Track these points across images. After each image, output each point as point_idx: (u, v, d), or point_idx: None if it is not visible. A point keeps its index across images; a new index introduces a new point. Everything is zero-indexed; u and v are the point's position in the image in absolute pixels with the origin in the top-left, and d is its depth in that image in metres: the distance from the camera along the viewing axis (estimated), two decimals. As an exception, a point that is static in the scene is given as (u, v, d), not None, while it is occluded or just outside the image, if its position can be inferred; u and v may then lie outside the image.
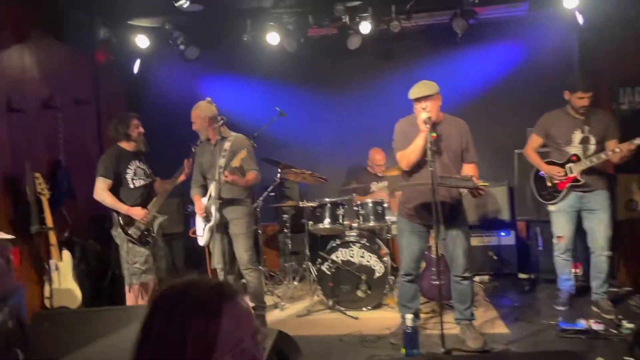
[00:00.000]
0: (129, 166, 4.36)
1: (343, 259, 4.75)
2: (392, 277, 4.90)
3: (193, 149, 4.52)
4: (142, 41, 6.03)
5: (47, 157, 5.03)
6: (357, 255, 4.74)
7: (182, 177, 4.47)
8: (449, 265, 3.82)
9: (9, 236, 4.23)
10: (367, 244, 4.76)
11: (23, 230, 4.54)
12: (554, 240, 4.61)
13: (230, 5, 5.47)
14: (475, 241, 5.54)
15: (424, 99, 3.59)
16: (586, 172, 4.34)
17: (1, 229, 4.27)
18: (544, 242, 5.40)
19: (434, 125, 3.62)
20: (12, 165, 4.60)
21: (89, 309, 4.26)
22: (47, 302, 4.61)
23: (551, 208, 4.61)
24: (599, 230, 4.38)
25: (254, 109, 6.35)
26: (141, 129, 4.46)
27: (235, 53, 6.35)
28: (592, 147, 4.35)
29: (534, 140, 4.65)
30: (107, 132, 4.53)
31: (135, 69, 6.38)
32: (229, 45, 6.28)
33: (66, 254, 4.77)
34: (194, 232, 4.44)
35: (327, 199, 5.08)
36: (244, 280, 4.39)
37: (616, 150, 4.18)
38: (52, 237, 4.69)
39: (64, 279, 4.75)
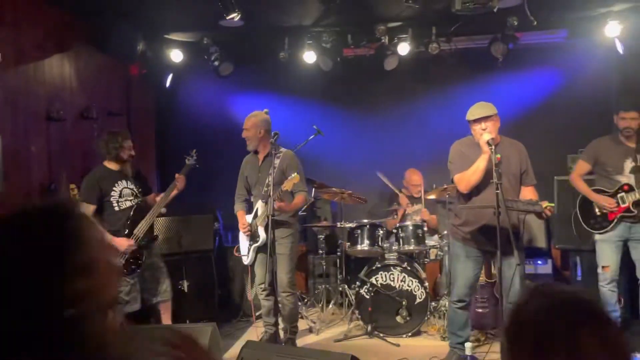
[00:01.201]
0: (114, 187, 4.13)
1: (383, 282, 4.61)
2: (433, 304, 4.73)
3: (187, 160, 4.44)
4: (176, 55, 6.00)
5: (81, 168, 4.93)
6: (397, 279, 4.60)
7: (174, 192, 4.28)
8: (503, 292, 3.67)
9: None
10: (408, 267, 4.62)
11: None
12: (599, 270, 4.47)
13: (271, 22, 5.44)
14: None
15: (484, 119, 3.52)
16: (638, 202, 4.24)
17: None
18: (583, 272, 5.25)
19: (497, 145, 3.54)
20: (48, 176, 4.49)
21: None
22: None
23: (597, 237, 4.48)
24: None
25: (285, 127, 6.20)
26: (133, 152, 4.22)
27: (269, 70, 6.31)
28: None
29: (582, 167, 4.54)
30: (97, 147, 4.28)
31: (167, 83, 6.32)
32: (263, 62, 6.25)
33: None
34: (238, 250, 4.31)
35: (365, 220, 4.96)
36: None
37: None
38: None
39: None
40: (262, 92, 6.47)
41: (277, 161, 4.02)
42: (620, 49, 5.52)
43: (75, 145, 4.89)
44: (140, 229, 4.11)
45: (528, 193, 3.61)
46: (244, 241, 4.23)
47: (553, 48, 5.94)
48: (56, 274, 0.85)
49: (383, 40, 5.61)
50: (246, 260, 4.21)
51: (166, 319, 4.30)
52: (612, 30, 5.29)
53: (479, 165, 3.44)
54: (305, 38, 5.70)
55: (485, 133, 3.43)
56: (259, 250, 4.09)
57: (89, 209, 4.11)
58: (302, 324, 5.05)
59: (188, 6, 5.01)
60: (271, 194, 3.64)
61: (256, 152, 4.22)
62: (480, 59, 5.90)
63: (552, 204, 3.45)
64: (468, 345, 3.33)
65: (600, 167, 4.42)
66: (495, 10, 4.32)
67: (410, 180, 5.68)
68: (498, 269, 3.56)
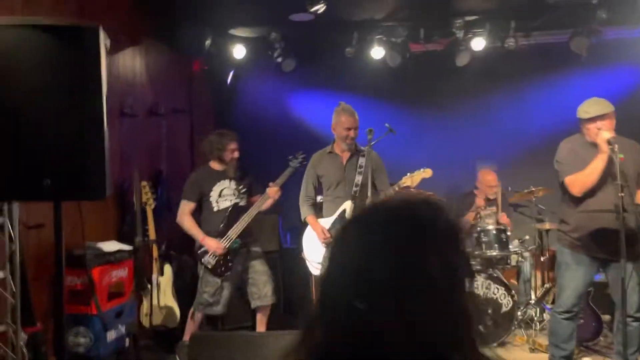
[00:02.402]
0: (214, 187, 4.08)
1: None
2: (519, 313, 4.46)
3: (290, 163, 4.04)
4: (239, 51, 5.84)
5: (150, 165, 4.81)
6: (482, 286, 4.34)
7: (267, 205, 4.06)
8: (617, 303, 3.39)
9: (128, 247, 3.99)
10: (494, 274, 4.36)
11: (129, 241, 4.28)
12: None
13: (341, 16, 5.23)
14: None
15: (600, 118, 3.24)
16: None
17: (110, 239, 4.03)
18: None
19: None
20: (120, 172, 4.37)
21: (255, 332, 3.86)
22: (144, 320, 4.31)
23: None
24: None
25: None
26: (236, 154, 4.13)
27: (333, 67, 6.10)
28: None
29: None
30: (202, 146, 4.28)
31: (229, 80, 6.18)
32: (327, 59, 6.04)
33: (168, 269, 4.50)
34: (306, 257, 3.96)
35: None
36: None
37: None
38: (155, 250, 4.43)
39: (164, 295, 4.46)
40: (324, 89, 6.25)
41: (362, 160, 3.81)
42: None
43: (145, 142, 4.77)
44: (235, 230, 3.97)
45: (644, 195, 3.32)
46: (316, 247, 3.87)
47: (633, 43, 5.60)
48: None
49: (458, 35, 5.35)
50: (319, 270, 3.88)
51: (260, 324, 4.14)
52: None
53: (597, 166, 3.17)
54: (375, 32, 5.49)
55: (604, 131, 3.16)
56: None
57: (189, 206, 4.07)
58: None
59: (259, 0, 4.85)
60: (369, 193, 3.42)
61: (332, 152, 3.96)
62: (557, 54, 5.61)
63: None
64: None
65: None
66: None
67: (485, 181, 5.40)
68: (613, 278, 3.29)
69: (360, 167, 3.76)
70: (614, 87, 5.83)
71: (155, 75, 4.97)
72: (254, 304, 4.07)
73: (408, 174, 3.67)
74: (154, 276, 4.37)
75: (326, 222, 3.90)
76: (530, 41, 5.52)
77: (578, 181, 3.27)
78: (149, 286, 4.34)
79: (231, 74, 6.17)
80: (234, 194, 4.12)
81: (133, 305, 3.92)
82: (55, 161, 2.02)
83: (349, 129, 3.81)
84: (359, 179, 3.72)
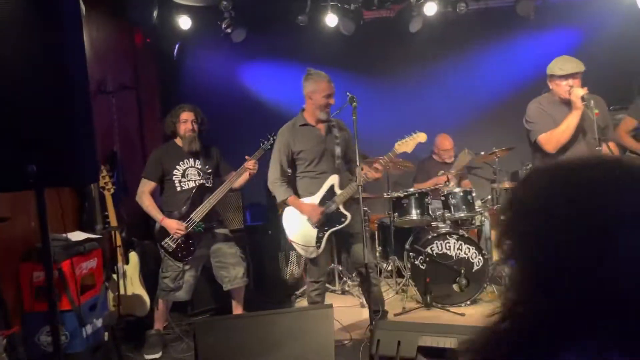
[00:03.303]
0: (178, 166, 3.86)
1: (439, 252, 4.45)
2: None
3: (262, 144, 3.77)
4: (184, 22, 5.52)
5: (103, 147, 4.47)
6: (454, 247, 4.45)
7: (242, 180, 3.83)
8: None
9: (97, 236, 3.71)
10: (465, 235, 4.47)
11: (89, 230, 3.98)
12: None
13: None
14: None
15: (572, 75, 3.34)
16: None
17: (72, 230, 3.73)
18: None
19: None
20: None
21: (252, 313, 3.52)
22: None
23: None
24: None
25: (300, 97, 5.93)
26: (190, 125, 3.86)
27: (285, 36, 5.92)
28: None
29: (628, 123, 4.51)
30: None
31: (174, 53, 5.84)
32: (279, 28, 5.84)
33: (133, 256, 4.24)
34: (294, 241, 3.62)
35: (411, 189, 4.77)
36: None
37: None
38: (118, 238, 4.16)
39: (131, 284, 4.22)
40: (276, 59, 6.08)
41: (335, 130, 3.70)
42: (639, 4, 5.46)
43: (96, 123, 4.40)
44: (198, 213, 3.76)
45: (611, 147, 3.49)
46: (305, 229, 3.58)
47: (574, 6, 5.84)
48: None
49: (411, 0, 5.33)
50: (316, 252, 3.57)
51: (236, 307, 3.99)
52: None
53: (572, 122, 3.28)
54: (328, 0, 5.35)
55: (577, 88, 3.26)
56: (334, 235, 3.60)
57: (149, 185, 3.83)
58: (350, 300, 4.87)
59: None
60: (358, 162, 3.31)
61: (306, 124, 3.65)
62: (505, 18, 5.76)
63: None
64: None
65: None
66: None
67: (442, 146, 5.52)
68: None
69: (336, 137, 3.65)
70: (557, 49, 6.06)
71: (101, 49, 4.59)
72: (225, 287, 3.91)
73: (399, 139, 3.58)
74: (119, 265, 4.11)
75: (311, 201, 3.58)
76: (480, 5, 5.61)
77: (553, 138, 3.38)
78: (114, 276, 4.09)
79: (177, 46, 5.82)
80: (199, 174, 3.91)
81: (105, 297, 3.67)
82: (39, 143, 1.79)
83: (329, 95, 3.56)
84: (338, 150, 3.61)
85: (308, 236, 3.58)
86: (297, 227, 3.62)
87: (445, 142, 5.51)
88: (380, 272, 4.95)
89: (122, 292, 4.06)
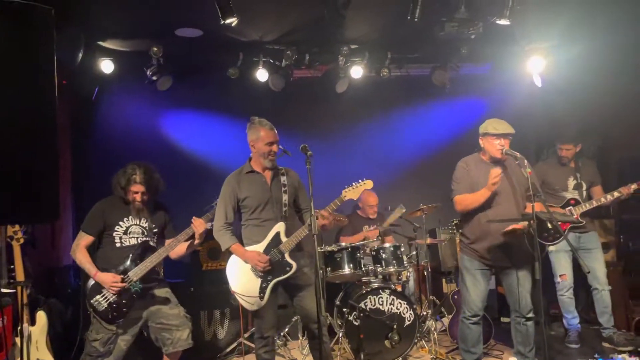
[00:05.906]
0: (121, 222, 3.55)
1: (372, 307, 4.43)
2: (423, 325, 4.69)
3: (214, 204, 3.61)
4: (107, 66, 5.28)
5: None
6: (386, 302, 4.46)
7: (196, 242, 3.57)
8: (513, 305, 3.74)
9: (10, 290, 3.23)
10: (396, 289, 4.52)
11: (-8, 286, 3.48)
12: (557, 280, 4.83)
13: (229, 35, 5.02)
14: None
15: (504, 136, 3.61)
16: (585, 214, 4.69)
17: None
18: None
19: (502, 163, 3.67)
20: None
21: None
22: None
23: (551, 248, 4.86)
24: (598, 267, 4.71)
25: (226, 149, 5.82)
26: (139, 197, 3.53)
27: (213, 88, 5.85)
28: (584, 192, 4.76)
29: None
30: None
31: (94, 97, 5.51)
32: (208, 79, 5.78)
33: (41, 315, 3.74)
34: (236, 291, 3.42)
35: (343, 243, 4.77)
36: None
37: (615, 195, 4.57)
38: (24, 295, 3.65)
39: (36, 350, 3.70)
40: (203, 110, 5.97)
41: (284, 178, 3.64)
42: (538, 82, 6.15)
43: None
44: (137, 271, 3.44)
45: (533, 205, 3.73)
46: (249, 279, 3.40)
47: (481, 79, 6.44)
48: None
49: (340, 62, 5.56)
50: (259, 303, 3.37)
51: None
52: (535, 65, 5.86)
53: (479, 199, 3.55)
54: (261, 54, 5.42)
55: (494, 169, 3.48)
56: (279, 285, 3.44)
57: (86, 240, 3.48)
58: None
59: (144, 12, 4.43)
60: (313, 211, 3.22)
61: (252, 171, 3.57)
62: (422, 86, 6.19)
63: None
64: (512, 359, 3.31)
65: (546, 186, 4.80)
66: (472, 37, 4.57)
67: (367, 202, 5.64)
68: (507, 284, 3.69)
69: (284, 185, 3.59)
70: (466, 117, 6.63)
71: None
72: (166, 350, 3.53)
73: (347, 187, 3.58)
74: (25, 326, 3.59)
75: (255, 249, 3.44)
76: (402, 72, 5.99)
77: (463, 203, 3.65)
78: (17, 340, 3.56)
79: (96, 89, 5.51)
80: (144, 233, 3.59)
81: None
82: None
83: (272, 143, 3.53)
84: (285, 198, 3.53)
85: (251, 286, 3.40)
86: (240, 276, 3.43)
87: (370, 199, 5.64)
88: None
89: (25, 359, 3.54)
